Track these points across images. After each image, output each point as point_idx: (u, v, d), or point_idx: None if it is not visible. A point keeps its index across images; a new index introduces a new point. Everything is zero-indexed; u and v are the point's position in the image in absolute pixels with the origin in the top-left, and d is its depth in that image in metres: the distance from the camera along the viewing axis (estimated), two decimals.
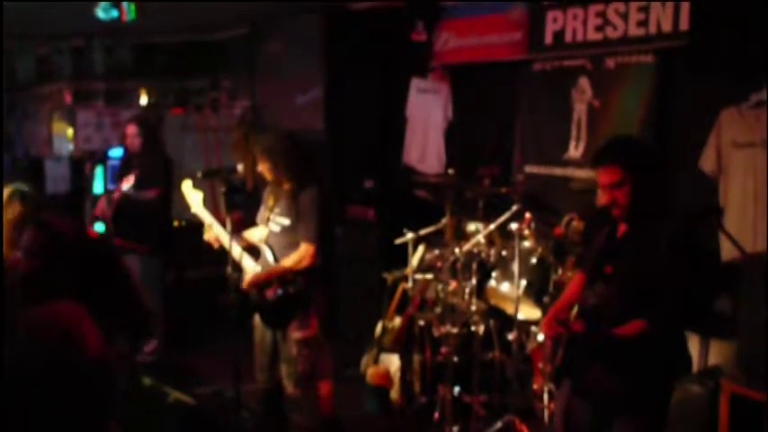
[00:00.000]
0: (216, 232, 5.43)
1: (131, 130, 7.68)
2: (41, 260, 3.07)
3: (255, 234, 5.52)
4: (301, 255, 5.18)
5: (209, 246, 5.51)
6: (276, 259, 5.29)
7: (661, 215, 3.78)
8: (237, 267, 5.34)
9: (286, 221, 5.29)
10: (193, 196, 5.58)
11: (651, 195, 3.78)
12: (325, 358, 5.47)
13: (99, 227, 8.62)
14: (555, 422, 4.23)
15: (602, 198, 3.85)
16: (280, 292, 5.23)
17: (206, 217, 5.49)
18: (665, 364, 3.82)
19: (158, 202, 7.43)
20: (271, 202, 5.45)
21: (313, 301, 5.28)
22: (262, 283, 5.28)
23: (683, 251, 3.68)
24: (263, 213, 5.54)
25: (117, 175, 7.87)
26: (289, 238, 5.28)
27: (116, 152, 9.37)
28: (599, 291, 3.87)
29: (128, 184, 7.35)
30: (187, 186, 5.63)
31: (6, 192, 4.64)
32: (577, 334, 3.75)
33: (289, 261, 5.21)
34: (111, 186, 8.62)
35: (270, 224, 5.41)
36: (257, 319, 5.49)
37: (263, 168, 5.31)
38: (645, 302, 3.66)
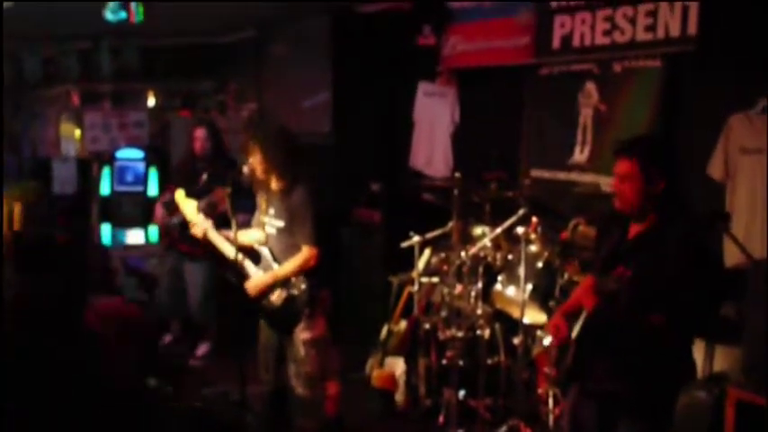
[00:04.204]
0: (212, 238, 5.42)
1: (200, 133, 7.46)
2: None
3: (249, 236, 5.48)
4: (304, 258, 5.17)
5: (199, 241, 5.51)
6: (277, 261, 5.29)
7: (672, 218, 3.78)
8: (239, 273, 5.33)
9: (280, 223, 5.28)
10: (188, 205, 5.57)
11: (665, 196, 3.79)
12: (333, 358, 5.46)
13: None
14: (562, 422, 4.23)
15: (613, 188, 3.86)
16: (285, 295, 5.22)
17: (201, 223, 5.48)
18: (671, 369, 3.81)
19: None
20: (264, 206, 5.43)
21: (318, 301, 5.28)
22: (267, 289, 5.28)
23: (693, 256, 3.69)
24: (258, 218, 5.53)
25: (177, 178, 7.58)
26: (286, 240, 5.26)
27: (123, 153, 9.39)
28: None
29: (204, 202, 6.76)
30: (180, 195, 5.63)
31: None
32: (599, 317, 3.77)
33: (291, 265, 5.20)
34: (162, 191, 8.59)
35: (267, 227, 5.40)
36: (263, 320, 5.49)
37: (254, 162, 5.24)
38: (654, 305, 3.66)
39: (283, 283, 5.23)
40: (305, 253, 5.18)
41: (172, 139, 10.57)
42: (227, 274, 5.34)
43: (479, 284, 6.10)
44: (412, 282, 6.35)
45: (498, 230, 5.99)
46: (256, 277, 5.30)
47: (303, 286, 5.19)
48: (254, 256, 5.39)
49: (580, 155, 6.72)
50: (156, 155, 9.63)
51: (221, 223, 5.58)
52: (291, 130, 5.59)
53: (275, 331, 5.42)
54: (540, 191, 6.52)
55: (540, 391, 5.86)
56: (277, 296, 5.25)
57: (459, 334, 5.91)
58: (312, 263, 5.18)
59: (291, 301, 5.23)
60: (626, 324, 3.75)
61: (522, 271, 5.63)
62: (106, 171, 9.30)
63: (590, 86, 6.60)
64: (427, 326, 6.19)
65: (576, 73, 6.71)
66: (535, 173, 7.07)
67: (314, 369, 5.32)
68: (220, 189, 6.70)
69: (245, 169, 5.30)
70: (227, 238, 5.37)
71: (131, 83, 11.03)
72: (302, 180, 5.25)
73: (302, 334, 5.24)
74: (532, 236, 5.85)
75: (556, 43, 6.75)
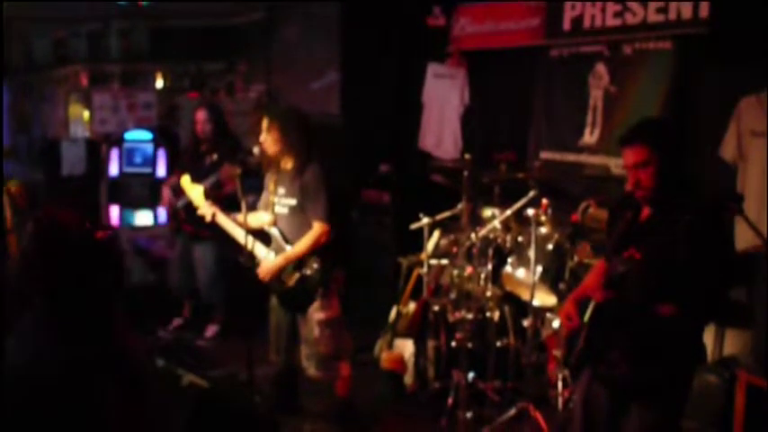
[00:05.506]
0: (221, 222, 5.42)
1: (201, 115, 7.41)
2: (38, 253, 2.93)
3: (257, 218, 5.47)
4: (316, 235, 5.17)
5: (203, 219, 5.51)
6: (288, 242, 5.28)
7: (685, 200, 3.74)
8: (251, 255, 5.31)
9: (292, 201, 5.27)
10: (194, 190, 5.56)
11: (675, 178, 3.75)
12: (347, 339, 5.46)
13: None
14: (574, 409, 4.22)
15: (628, 179, 3.82)
16: (298, 275, 5.22)
17: (209, 207, 5.47)
18: (684, 353, 3.79)
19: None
20: (272, 186, 5.42)
21: (333, 280, 5.27)
22: (279, 271, 5.27)
23: (707, 238, 3.65)
24: (265, 199, 5.52)
25: (182, 162, 7.55)
26: (298, 219, 5.25)
27: (132, 134, 9.38)
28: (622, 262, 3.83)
29: (209, 181, 6.88)
30: (186, 180, 5.62)
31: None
32: (610, 302, 3.75)
33: (303, 244, 5.19)
34: (165, 175, 8.72)
35: (276, 207, 5.39)
36: (274, 300, 5.48)
37: (267, 140, 5.24)
38: (666, 288, 3.64)
39: (296, 263, 5.23)
40: (316, 229, 5.18)
41: (180, 120, 10.55)
42: (240, 258, 5.33)
43: (489, 266, 6.09)
44: (421, 263, 6.34)
45: (508, 212, 5.97)
46: (268, 261, 5.29)
47: (316, 266, 5.20)
48: (264, 238, 5.39)
49: (590, 137, 6.71)
50: (164, 136, 9.61)
51: (228, 205, 5.58)
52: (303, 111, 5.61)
53: (289, 311, 5.42)
54: (550, 173, 6.51)
55: (549, 373, 5.86)
56: (290, 276, 5.25)
57: (469, 316, 5.90)
58: (323, 239, 5.18)
59: (305, 280, 5.23)
60: (635, 311, 3.73)
61: (531, 253, 5.61)
62: (115, 152, 9.29)
63: (600, 68, 6.58)
64: (436, 308, 6.18)
65: (586, 55, 6.69)
66: (545, 155, 7.06)
67: (328, 350, 5.30)
68: (227, 167, 6.70)
69: (256, 149, 5.29)
70: (236, 221, 5.36)
71: (140, 64, 11.00)
72: (315, 159, 5.26)
73: (317, 314, 5.23)
74: (542, 218, 5.84)
75: (566, 25, 6.73)
